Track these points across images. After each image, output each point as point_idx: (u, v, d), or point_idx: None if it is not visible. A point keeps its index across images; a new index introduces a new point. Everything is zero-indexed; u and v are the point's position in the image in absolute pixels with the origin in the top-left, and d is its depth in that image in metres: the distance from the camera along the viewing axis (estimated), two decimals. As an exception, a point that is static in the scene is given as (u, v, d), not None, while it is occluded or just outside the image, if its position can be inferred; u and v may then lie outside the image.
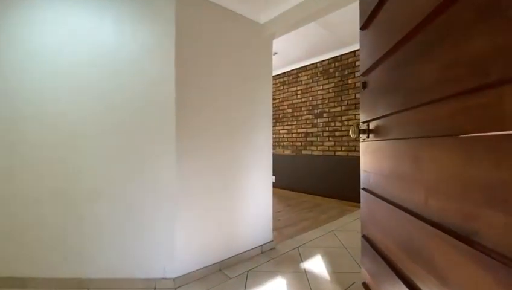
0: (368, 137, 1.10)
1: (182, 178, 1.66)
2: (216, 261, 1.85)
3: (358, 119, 3.74)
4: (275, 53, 4.02)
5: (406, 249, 0.76)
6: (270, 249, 2.22)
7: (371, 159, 1.06)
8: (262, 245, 2.17)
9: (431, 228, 0.63)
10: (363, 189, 1.15)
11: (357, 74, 3.77)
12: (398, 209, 0.80)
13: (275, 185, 4.83)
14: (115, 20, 1.64)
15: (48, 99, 1.63)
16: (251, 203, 2.09)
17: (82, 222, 1.62)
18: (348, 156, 3.86)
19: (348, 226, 2.84)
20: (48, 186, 1.62)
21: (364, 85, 1.14)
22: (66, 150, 1.62)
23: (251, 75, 2.10)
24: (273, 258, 2.05)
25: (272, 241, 2.27)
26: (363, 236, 1.17)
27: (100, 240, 1.63)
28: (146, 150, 1.67)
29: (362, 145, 1.17)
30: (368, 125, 1.09)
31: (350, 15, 2.84)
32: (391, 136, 0.86)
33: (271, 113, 2.28)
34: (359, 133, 1.13)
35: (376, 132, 1.03)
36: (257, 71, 2.15)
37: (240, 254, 1.99)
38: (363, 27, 1.14)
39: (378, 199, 0.97)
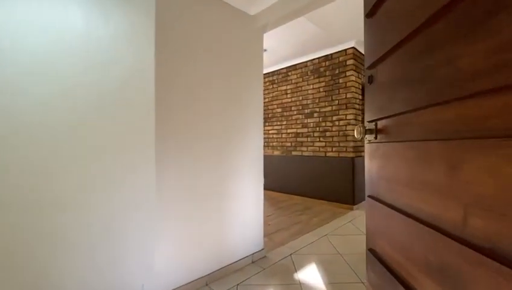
0: (375, 138, 0.97)
1: (163, 185, 1.47)
2: (202, 275, 1.67)
3: (350, 119, 3.67)
4: (265, 50, 3.88)
5: (429, 270, 0.63)
6: (262, 258, 2.07)
7: (381, 163, 0.93)
8: (252, 254, 2.02)
9: (474, 253, 0.49)
10: (370, 197, 1.02)
11: (348, 73, 3.69)
12: (421, 225, 0.67)
13: (264, 187, 4.68)
14: (81, 5, 1.43)
15: (5, 95, 1.39)
16: (240, 210, 1.93)
17: (47, 238, 1.39)
18: (339, 157, 3.78)
19: (341, 230, 2.74)
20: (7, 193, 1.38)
21: (371, 79, 1.01)
22: (27, 152, 1.39)
23: (240, 70, 1.93)
24: (264, 269, 1.90)
25: (263, 249, 2.12)
26: (370, 250, 1.04)
27: (70, 257, 1.40)
28: (121, 153, 1.47)
29: (368, 148, 1.04)
30: (376, 124, 0.96)
31: (343, 11, 2.74)
32: (411, 137, 0.73)
33: (262, 112, 2.13)
34: (365, 134, 1.00)
35: (387, 132, 0.90)
36: (247, 66, 1.99)
37: (228, 265, 1.83)
38: (369, 14, 1.01)
39: (390, 209, 0.84)
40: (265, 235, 2.41)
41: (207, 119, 1.69)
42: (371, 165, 1.02)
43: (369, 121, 1.02)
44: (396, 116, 0.83)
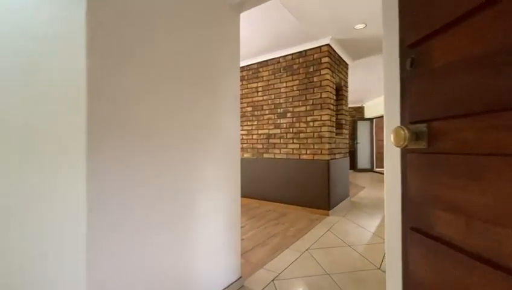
0: (428, 146, 0.67)
1: (97, 206, 0.99)
2: (162, 330, 1.22)
3: (325, 120, 3.49)
4: (235, 42, 3.48)
5: None
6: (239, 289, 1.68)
7: (439, 183, 0.63)
8: (228, 286, 1.61)
9: None
10: (415, 230, 0.71)
11: (323, 72, 3.51)
12: None
13: (233, 193, 4.28)
14: None
15: None
16: (212, 232, 1.51)
17: None
18: (313, 159, 3.58)
19: (323, 242, 2.49)
20: None
21: (415, 62, 0.71)
22: None
23: (211, 57, 1.52)
24: (244, 305, 1.52)
25: (241, 277, 1.73)
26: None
27: None
28: (39, 164, 0.94)
29: (412, 159, 0.73)
30: (429, 127, 0.66)
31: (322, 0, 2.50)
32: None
33: (238, 108, 1.74)
34: (410, 140, 0.69)
35: (451, 138, 0.60)
36: (220, 53, 1.58)
37: (198, 307, 1.40)
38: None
39: (471, 259, 0.54)
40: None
41: (170, 116, 1.24)
42: (416, 184, 0.71)
43: (414, 122, 0.72)
44: (472, 116, 0.53)
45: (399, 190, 0.81)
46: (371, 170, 8.89)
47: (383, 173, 8.26)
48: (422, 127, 0.68)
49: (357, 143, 8.88)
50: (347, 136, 4.32)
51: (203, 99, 1.42)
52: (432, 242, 0.65)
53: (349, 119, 8.83)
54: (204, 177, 1.43)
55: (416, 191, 0.70)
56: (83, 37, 0.94)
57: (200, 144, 1.40)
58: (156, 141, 1.18)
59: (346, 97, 4.26)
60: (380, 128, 9.14)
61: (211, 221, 1.49)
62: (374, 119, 8.95)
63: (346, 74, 4.28)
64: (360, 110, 9.37)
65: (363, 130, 8.97)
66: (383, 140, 9.02)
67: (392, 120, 0.88)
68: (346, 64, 4.25)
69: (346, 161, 4.22)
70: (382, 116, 8.14)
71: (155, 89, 1.17)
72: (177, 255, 1.29)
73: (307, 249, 2.32)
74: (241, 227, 2.94)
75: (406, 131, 0.68)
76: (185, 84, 1.31)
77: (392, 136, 0.71)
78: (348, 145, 4.31)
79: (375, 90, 6.80)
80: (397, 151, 0.83)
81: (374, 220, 3.20)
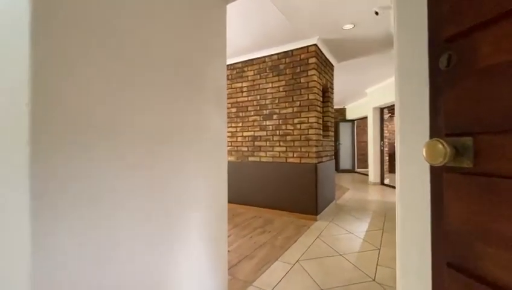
0: (474, 165, 0.53)
1: (44, 238, 0.76)
2: None
3: (312, 123, 3.39)
4: (219, 38, 3.28)
5: None
6: (226, 314, 1.49)
7: (495, 214, 0.49)
8: (214, 312, 1.42)
9: None
10: (455, 267, 0.58)
11: (310, 73, 3.41)
12: None
13: (216, 198, 4.06)
14: None
15: None
16: (195, 252, 1.32)
17: None
18: (300, 163, 3.46)
19: (313, 251, 2.37)
20: None
21: (453, 60, 0.58)
22: None
23: (195, 49, 1.32)
24: (233, 335, 1.34)
25: (228, 300, 1.55)
26: None
27: None
28: None
29: (452, 180, 0.59)
30: (475, 141, 0.53)
31: (315, -2, 2.38)
32: None
33: (225, 108, 1.55)
34: (450, 157, 0.55)
35: (509, 157, 0.47)
36: (204, 45, 1.39)
37: None
38: None
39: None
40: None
41: (140, 118, 1.03)
42: (459, 212, 0.57)
43: (453, 135, 0.58)
44: None
45: (428, 214, 0.67)
46: (352, 171, 9.04)
47: (364, 174, 8.47)
48: (466, 141, 0.54)
49: (339, 144, 8.98)
50: (333, 139, 4.27)
51: (184, 96, 1.22)
52: (482, 287, 0.51)
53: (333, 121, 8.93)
54: (186, 190, 1.23)
55: (458, 220, 0.57)
56: (26, 15, 0.71)
57: (180, 150, 1.20)
58: (123, 149, 0.96)
59: (332, 99, 4.21)
60: (362, 129, 9.33)
61: (193, 239, 1.29)
62: (356, 121, 9.11)
63: (332, 75, 4.23)
64: (342, 111, 9.50)
65: (344, 131, 9.10)
66: (364, 141, 9.21)
67: (413, 131, 0.75)
68: (332, 65, 4.20)
69: (332, 163, 4.16)
70: (363, 118, 8.30)
71: (120, 86, 0.95)
72: (155, 278, 1.08)
73: (297, 261, 2.18)
74: (226, 237, 2.74)
75: (445, 146, 0.54)
76: (163, 80, 1.11)
77: (424, 150, 0.57)
78: (333, 147, 4.26)
79: (357, 92, 6.89)
80: (423, 167, 0.69)
81: (362, 225, 3.15)
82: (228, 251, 2.38)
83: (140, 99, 1.01)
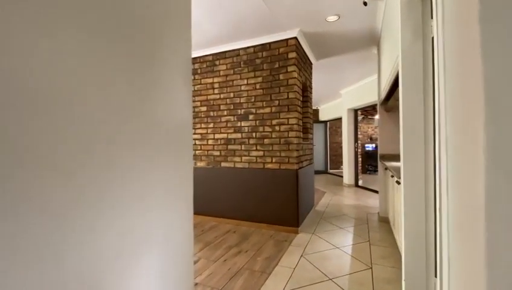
0: None
1: None
2: None
3: (292, 124, 3.05)
4: (185, 24, 2.77)
5: None
6: None
7: None
8: None
9: None
10: None
11: (290, 69, 3.06)
12: None
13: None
14: None
15: None
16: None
17: None
18: (280, 169, 3.11)
19: (299, 276, 2.01)
20: None
21: None
22: None
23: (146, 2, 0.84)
24: None
25: None
26: None
27: None
28: None
29: None
30: None
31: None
32: None
33: (190, 91, 1.09)
34: None
35: None
36: (159, 21, 0.91)
37: None
38: None
39: None
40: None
41: (76, 116, 0.54)
42: None
43: None
44: None
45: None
46: (325, 172, 9.02)
47: (337, 175, 8.46)
48: None
49: (313, 146, 8.90)
50: (312, 141, 4.00)
51: (129, 69, 0.74)
52: None
53: (312, 122, 8.81)
54: (130, 227, 0.76)
55: None
56: None
57: (125, 151, 0.72)
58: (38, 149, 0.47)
59: (311, 99, 3.94)
60: (334, 130, 9.37)
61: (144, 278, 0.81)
62: (328, 122, 9.12)
63: (311, 73, 3.96)
64: (315, 113, 9.45)
65: (317, 132, 9.05)
66: (337, 142, 9.26)
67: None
68: (311, 63, 3.93)
69: (312, 167, 3.89)
70: (335, 119, 8.30)
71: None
72: None
73: (282, 293, 1.80)
74: (193, 262, 2.27)
75: None
76: (91, 47, 0.62)
77: None
78: (312, 150, 3.99)
79: (332, 93, 6.80)
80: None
81: (346, 236, 2.89)
82: (196, 284, 1.92)
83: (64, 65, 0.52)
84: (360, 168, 6.80)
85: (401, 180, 1.53)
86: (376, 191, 5.27)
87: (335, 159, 9.18)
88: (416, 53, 1.47)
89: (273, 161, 3.15)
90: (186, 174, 0.95)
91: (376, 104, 5.75)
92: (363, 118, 8.75)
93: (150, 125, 0.78)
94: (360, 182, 6.35)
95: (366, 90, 5.55)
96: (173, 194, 0.88)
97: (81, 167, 0.55)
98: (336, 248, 2.56)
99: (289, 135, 3.06)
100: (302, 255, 2.39)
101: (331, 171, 9.02)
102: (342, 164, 7.61)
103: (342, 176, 6.90)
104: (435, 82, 1.21)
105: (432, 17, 1.43)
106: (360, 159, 6.84)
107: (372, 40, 3.37)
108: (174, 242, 0.88)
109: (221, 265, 2.22)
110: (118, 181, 0.65)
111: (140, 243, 0.72)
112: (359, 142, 6.91)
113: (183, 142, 0.94)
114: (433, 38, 1.35)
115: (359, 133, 7.22)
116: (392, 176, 2.52)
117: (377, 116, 9.01)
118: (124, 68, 0.69)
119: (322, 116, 9.23)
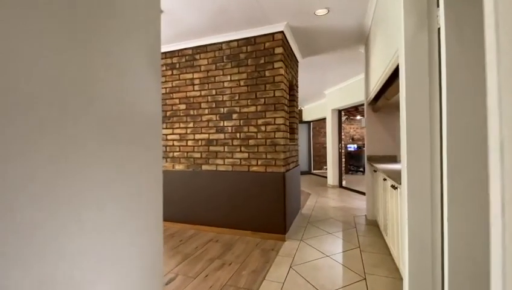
0: None
1: None
2: None
3: (279, 124, 2.86)
4: (161, 11, 2.48)
5: None
6: None
7: None
8: None
9: None
10: None
11: (276, 65, 2.87)
12: None
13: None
14: None
15: None
16: None
17: None
18: (266, 172, 2.90)
19: (289, 293, 1.81)
20: None
21: None
22: None
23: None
24: None
25: None
26: None
27: None
28: None
29: None
30: None
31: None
32: None
33: (159, 66, 0.84)
34: None
35: None
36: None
37: None
38: None
39: None
40: None
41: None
42: None
43: None
44: None
45: None
46: (309, 173, 8.98)
47: (320, 176, 8.43)
48: None
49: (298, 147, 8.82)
50: (298, 142, 3.84)
51: (74, 33, 0.48)
52: None
53: (298, 122, 8.72)
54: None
55: None
56: None
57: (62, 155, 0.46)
58: None
59: (297, 98, 3.78)
60: (317, 131, 9.37)
61: None
62: (311, 123, 9.09)
63: (297, 71, 3.80)
64: (299, 113, 9.38)
65: (301, 133, 8.99)
66: (319, 143, 9.25)
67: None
68: (297, 60, 3.77)
69: (299, 169, 3.73)
70: (319, 120, 8.28)
71: None
72: None
73: (271, 315, 1.58)
74: (168, 283, 1.99)
75: None
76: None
77: None
78: (298, 152, 3.83)
79: (316, 93, 6.73)
80: None
81: (336, 242, 2.74)
82: (172, 309, 1.64)
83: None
84: (343, 168, 6.79)
85: (403, 186, 1.38)
86: (361, 193, 5.24)
87: (318, 159, 9.17)
88: (421, 44, 1.32)
89: (259, 163, 2.93)
90: (154, 179, 0.70)
91: (359, 105, 5.76)
92: (346, 118, 8.80)
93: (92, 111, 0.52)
94: (344, 183, 6.32)
95: (351, 91, 5.52)
96: (142, 190, 0.62)
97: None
98: (326, 257, 2.39)
99: (276, 136, 2.87)
100: (291, 266, 2.20)
101: (314, 171, 8.99)
102: (325, 165, 7.58)
103: (325, 177, 6.85)
104: (441, 77, 1.06)
105: (437, 6, 1.30)
106: (343, 160, 6.83)
107: (360, 38, 3.27)
108: (136, 263, 0.62)
109: (201, 282, 1.97)
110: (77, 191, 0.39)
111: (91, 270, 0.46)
112: (342, 142, 6.90)
113: (149, 156, 0.69)
114: (439, 29, 1.20)
115: (343, 134, 7.23)
116: (385, 179, 2.40)
117: (359, 117, 9.12)
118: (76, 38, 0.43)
119: (306, 117, 9.18)
